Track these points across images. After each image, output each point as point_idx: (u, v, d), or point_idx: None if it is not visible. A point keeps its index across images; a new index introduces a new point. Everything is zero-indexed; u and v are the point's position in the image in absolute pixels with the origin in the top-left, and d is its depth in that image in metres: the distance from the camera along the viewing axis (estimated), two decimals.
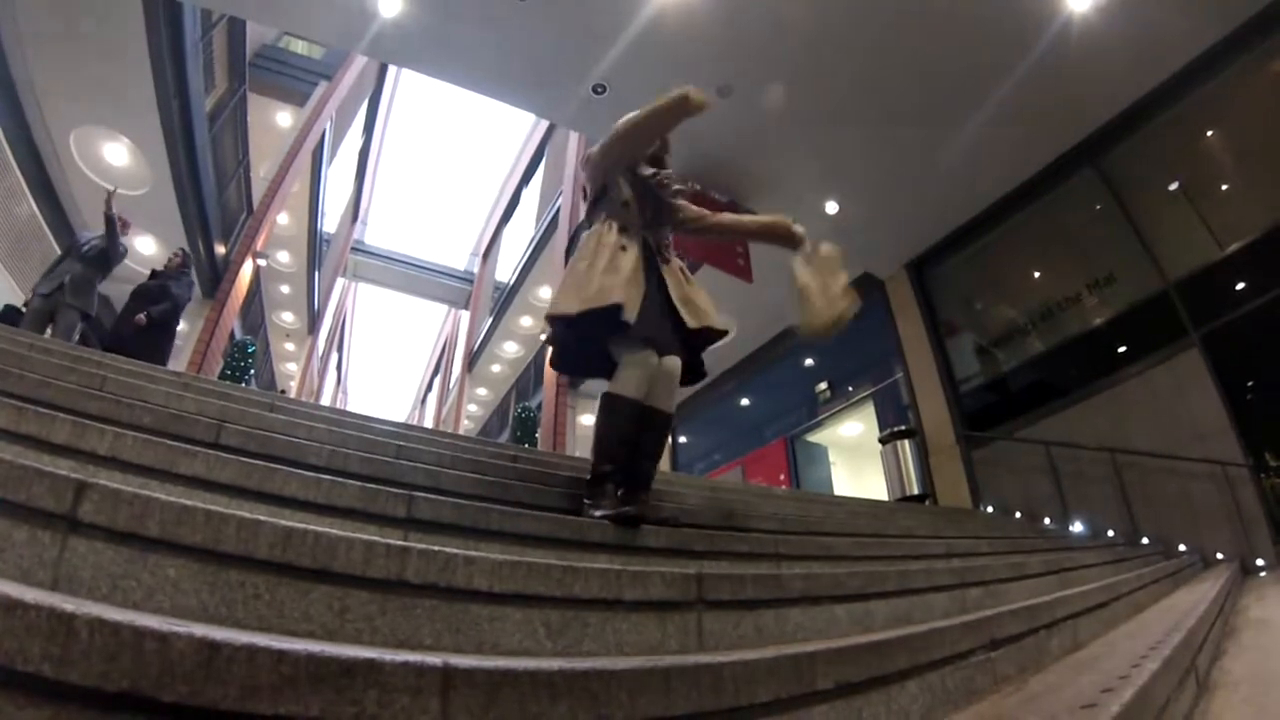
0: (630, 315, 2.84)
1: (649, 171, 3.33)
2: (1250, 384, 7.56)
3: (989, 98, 8.21)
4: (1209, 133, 8.48)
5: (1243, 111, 8.10)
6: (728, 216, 3.77)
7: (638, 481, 2.95)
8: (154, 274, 7.91)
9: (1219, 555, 6.90)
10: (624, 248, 3.06)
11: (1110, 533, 7.61)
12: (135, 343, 7.09)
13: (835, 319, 3.40)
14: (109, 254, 7.38)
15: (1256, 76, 7.90)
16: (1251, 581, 6.07)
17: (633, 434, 2.93)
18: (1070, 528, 7.98)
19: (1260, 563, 6.64)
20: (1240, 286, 7.53)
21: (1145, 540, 7.29)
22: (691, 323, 3.06)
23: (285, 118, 16.52)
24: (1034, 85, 7.94)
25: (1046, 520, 8.27)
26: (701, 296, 3.23)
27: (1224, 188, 8.32)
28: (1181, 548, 7.10)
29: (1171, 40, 7.75)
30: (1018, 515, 8.53)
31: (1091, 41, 7.49)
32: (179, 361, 12.22)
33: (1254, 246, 7.48)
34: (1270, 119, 7.81)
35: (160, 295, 7.57)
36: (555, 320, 2.98)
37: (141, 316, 7.26)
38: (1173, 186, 8.53)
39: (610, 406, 2.92)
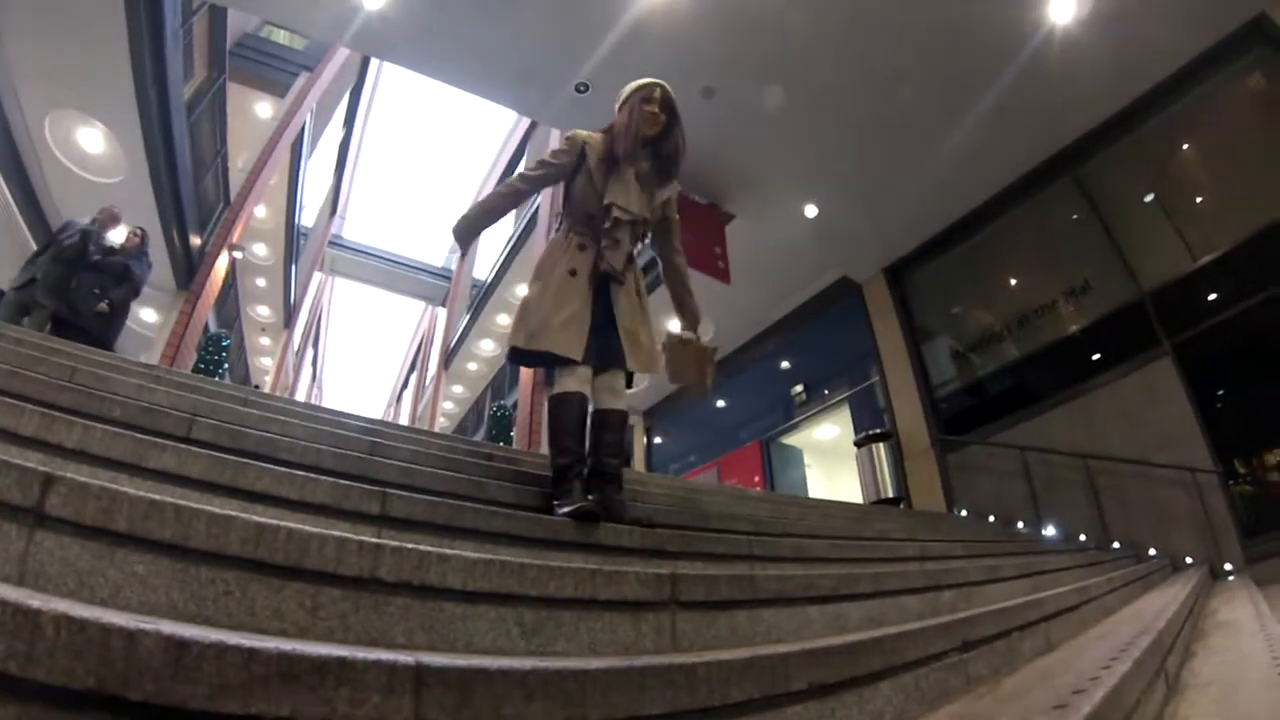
0: (574, 354, 2.93)
1: (616, 212, 3.15)
2: (1220, 393, 7.70)
3: (970, 106, 8.29)
4: (1185, 146, 8.63)
5: (1218, 126, 8.26)
6: (679, 277, 3.61)
7: (605, 479, 2.97)
8: (112, 250, 7.70)
9: (1188, 559, 7.02)
10: (574, 272, 3.07)
11: (1082, 537, 7.71)
12: (92, 320, 7.01)
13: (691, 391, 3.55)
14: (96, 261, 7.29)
15: (1231, 92, 8.07)
16: (1220, 585, 6.18)
17: (581, 425, 3.00)
18: (1043, 531, 8.07)
19: (1228, 567, 6.77)
20: (1212, 297, 7.66)
21: (1116, 544, 7.39)
22: (631, 364, 3.11)
23: (265, 108, 16.34)
24: (1015, 95, 8.04)
25: (1020, 524, 8.37)
26: (647, 330, 3.24)
27: (1198, 200, 8.46)
28: (1152, 552, 7.21)
29: (1150, 55, 7.89)
30: (991, 519, 8.63)
31: (1072, 54, 7.59)
32: (151, 354, 12.08)
33: (1226, 259, 7.63)
34: (1244, 134, 7.97)
35: (122, 273, 7.39)
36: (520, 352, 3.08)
37: (104, 305, 7.13)
38: (1149, 198, 8.66)
39: (556, 404, 3.00)
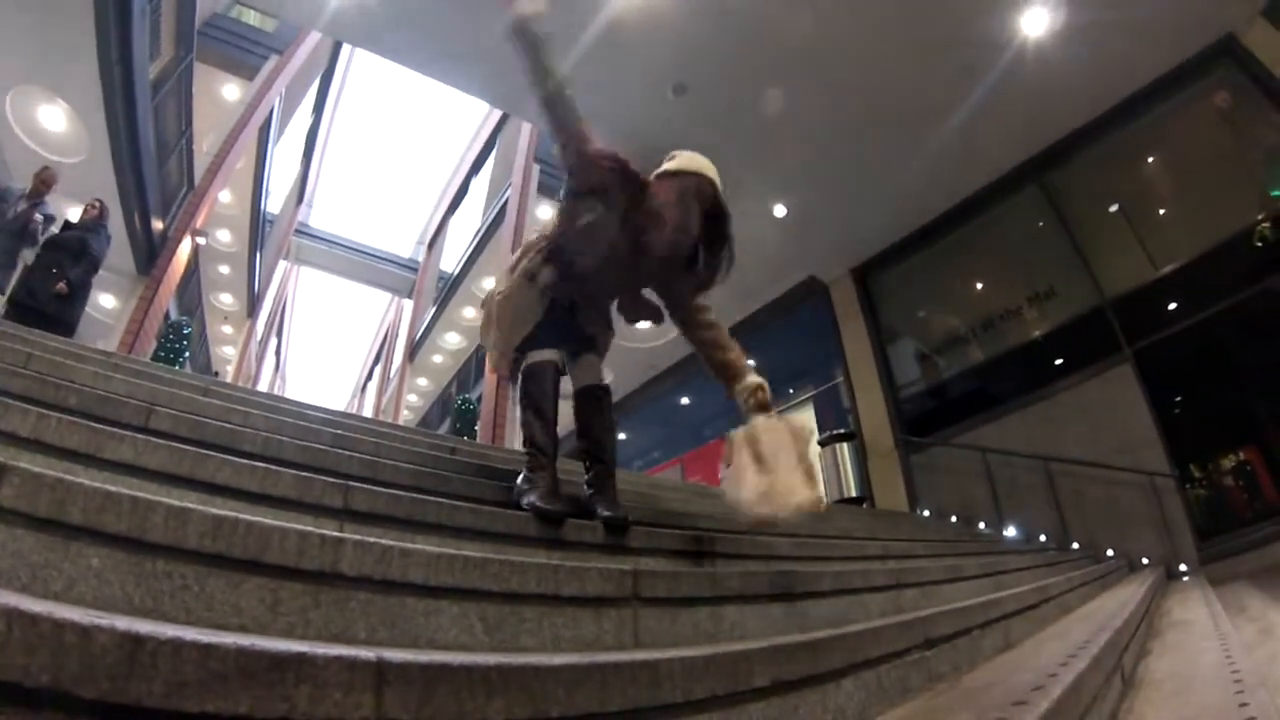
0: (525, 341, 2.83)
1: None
2: (1178, 399, 7.88)
3: (943, 113, 8.40)
4: (1150, 159, 8.82)
5: (1182, 141, 8.49)
6: (720, 338, 2.95)
7: (601, 467, 2.89)
8: (68, 225, 7.46)
9: (1145, 560, 7.20)
10: (531, 279, 2.86)
11: (1042, 537, 7.85)
12: (51, 301, 6.79)
13: (774, 512, 2.38)
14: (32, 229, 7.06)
15: (1197, 109, 8.28)
16: (1175, 585, 6.34)
17: (555, 393, 2.84)
18: (1004, 532, 8.20)
19: (1183, 568, 6.97)
20: (1172, 307, 7.84)
21: (1075, 545, 7.55)
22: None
23: (232, 90, 16.02)
24: (987, 103, 8.17)
25: (981, 524, 8.49)
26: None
27: (1161, 212, 8.66)
28: (1109, 553, 7.37)
29: (1120, 69, 8.07)
30: (953, 519, 8.74)
31: (1044, 65, 7.73)
32: (110, 340, 11.82)
33: (1186, 269, 7.84)
34: (1206, 150, 8.19)
35: (79, 249, 7.13)
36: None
37: (63, 285, 6.87)
38: (1113, 208, 8.83)
39: (528, 375, 2.83)
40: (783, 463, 2.48)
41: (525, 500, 2.58)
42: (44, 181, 7.34)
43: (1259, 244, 7.52)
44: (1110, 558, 7.18)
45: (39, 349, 3.08)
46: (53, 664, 0.64)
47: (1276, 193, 7.63)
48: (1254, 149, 8.02)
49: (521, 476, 2.77)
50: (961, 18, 7.38)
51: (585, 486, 2.89)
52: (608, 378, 3.13)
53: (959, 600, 2.77)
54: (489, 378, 16.06)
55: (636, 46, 7.75)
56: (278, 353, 38.39)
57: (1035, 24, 7.43)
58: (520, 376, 2.88)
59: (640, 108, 8.50)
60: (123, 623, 0.69)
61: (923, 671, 1.80)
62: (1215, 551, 6.99)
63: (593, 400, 2.97)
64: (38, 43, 8.74)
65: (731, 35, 7.69)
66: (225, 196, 16.40)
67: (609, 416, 3.01)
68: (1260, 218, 7.58)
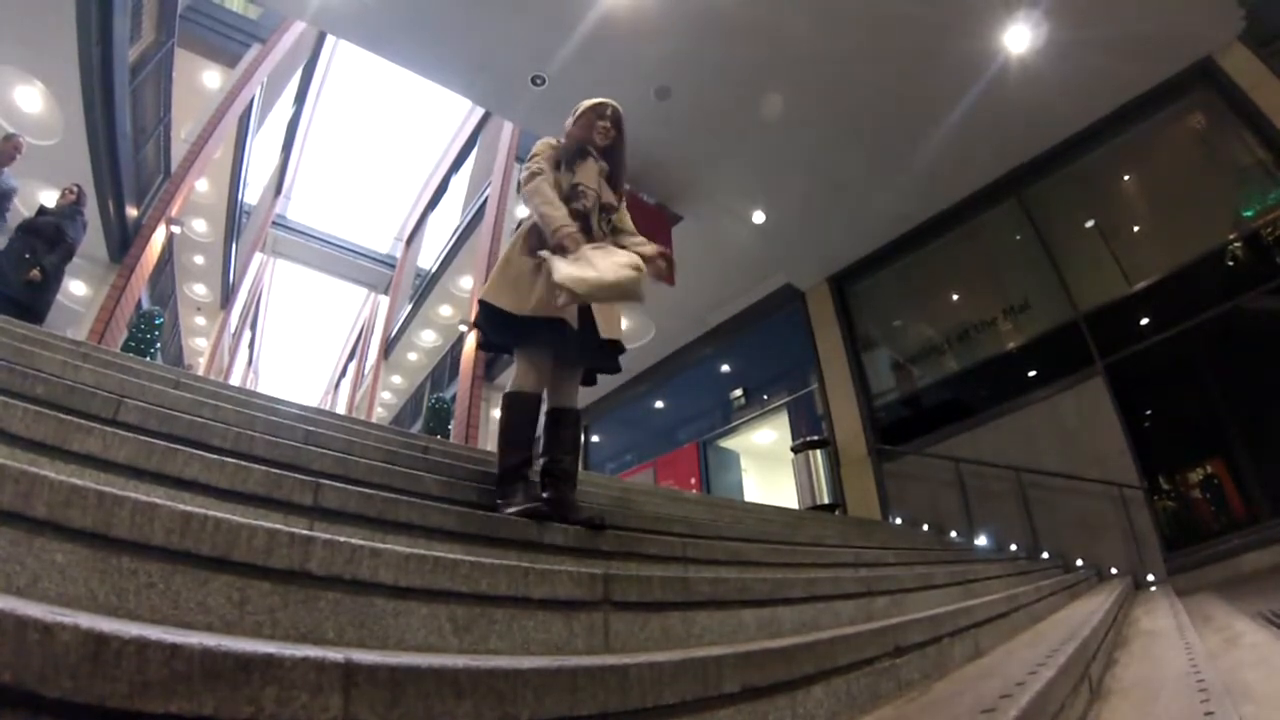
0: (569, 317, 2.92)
1: (575, 189, 3.28)
2: (1148, 413, 8.00)
3: (924, 124, 8.48)
4: (1126, 177, 8.96)
5: (1158, 161, 8.64)
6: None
7: (559, 478, 2.96)
8: (43, 210, 7.24)
9: (1113, 570, 7.30)
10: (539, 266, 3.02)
11: (1013, 547, 7.93)
12: (22, 289, 6.62)
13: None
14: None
15: (1173, 129, 8.44)
16: (1142, 595, 6.43)
17: (534, 425, 3.00)
18: (975, 541, 8.28)
19: (1151, 578, 7.08)
20: (1144, 322, 7.96)
21: (1045, 554, 7.63)
22: (603, 331, 3.08)
23: (213, 78, 15.80)
24: (968, 118, 8.25)
25: (953, 533, 8.57)
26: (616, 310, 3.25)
27: (1135, 229, 8.79)
28: (1079, 562, 7.47)
29: (1099, 88, 8.21)
30: (925, 528, 8.81)
31: (1025, 81, 7.83)
32: (79, 329, 11.63)
33: (1159, 286, 7.98)
34: (1181, 169, 8.34)
35: (55, 235, 6.93)
36: (487, 307, 2.98)
37: (37, 273, 6.68)
38: (1089, 224, 8.96)
39: (510, 403, 2.98)
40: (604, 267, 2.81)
41: (509, 511, 2.64)
42: (15, 147, 7.12)
43: (1230, 263, 7.67)
44: (1080, 567, 7.28)
45: (4, 336, 3.03)
46: (15, 662, 0.63)
47: (1249, 213, 7.78)
48: (1228, 170, 8.18)
49: (499, 498, 2.83)
50: (945, 32, 7.43)
51: (542, 493, 2.95)
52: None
53: (929, 608, 2.79)
54: (464, 377, 15.97)
55: (620, 49, 7.75)
56: (251, 346, 38.02)
57: (1018, 40, 7.51)
58: (504, 400, 3.01)
59: (622, 108, 8.49)
60: (86, 621, 0.68)
61: (892, 679, 1.82)
62: (1182, 562, 7.10)
63: (564, 420, 3.12)
64: (15, 21, 8.57)
65: (715, 41, 7.70)
66: (202, 185, 16.17)
67: (576, 435, 3.16)
68: (1232, 237, 7.73)
